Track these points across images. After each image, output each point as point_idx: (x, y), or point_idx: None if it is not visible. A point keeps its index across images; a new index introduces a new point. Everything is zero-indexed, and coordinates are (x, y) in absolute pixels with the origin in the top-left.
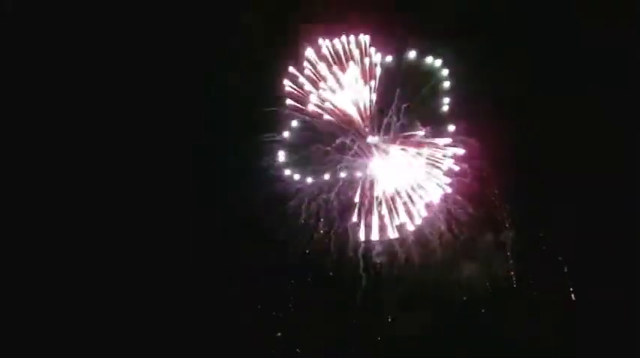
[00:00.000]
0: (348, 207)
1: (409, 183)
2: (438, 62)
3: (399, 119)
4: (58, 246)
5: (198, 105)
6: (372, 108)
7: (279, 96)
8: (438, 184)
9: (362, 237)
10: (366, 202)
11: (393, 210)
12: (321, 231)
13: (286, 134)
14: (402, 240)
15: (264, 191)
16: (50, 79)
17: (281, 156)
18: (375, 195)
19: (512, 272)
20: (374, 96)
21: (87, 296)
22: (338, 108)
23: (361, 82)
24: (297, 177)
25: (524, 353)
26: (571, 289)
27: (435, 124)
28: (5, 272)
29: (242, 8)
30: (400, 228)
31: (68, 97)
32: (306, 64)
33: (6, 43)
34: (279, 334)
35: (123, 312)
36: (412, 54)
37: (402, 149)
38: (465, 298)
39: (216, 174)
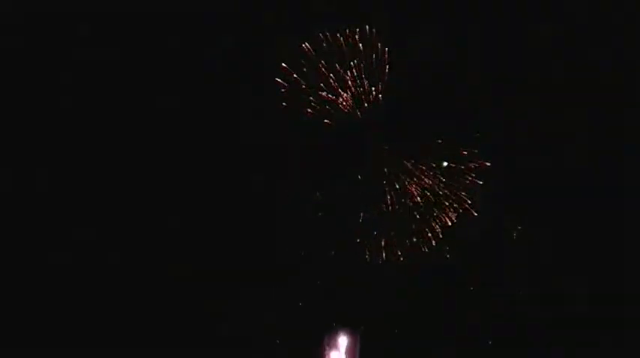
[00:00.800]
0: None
1: (422, 199)
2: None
3: (412, 123)
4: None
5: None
6: (380, 110)
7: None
8: (456, 202)
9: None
10: (371, 219)
11: (404, 230)
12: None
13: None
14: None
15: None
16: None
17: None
18: (383, 211)
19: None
20: (381, 97)
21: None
22: (339, 111)
23: (367, 81)
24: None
25: None
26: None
27: (458, 130)
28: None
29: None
30: (411, 250)
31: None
32: (303, 61)
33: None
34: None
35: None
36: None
37: (416, 159)
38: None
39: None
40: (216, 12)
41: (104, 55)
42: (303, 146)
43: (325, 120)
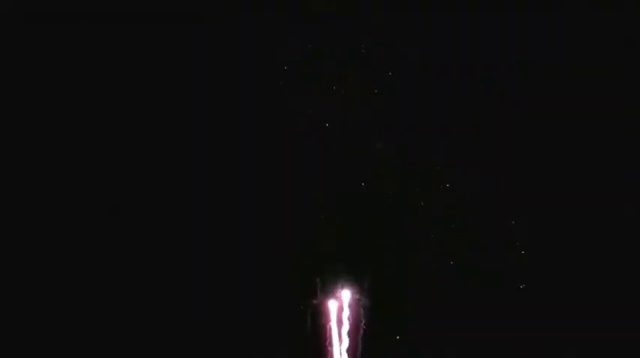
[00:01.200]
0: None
1: (424, 200)
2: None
3: (414, 123)
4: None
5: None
6: (382, 110)
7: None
8: (458, 203)
9: None
10: (372, 220)
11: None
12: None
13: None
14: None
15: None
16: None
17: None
18: (384, 212)
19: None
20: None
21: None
22: (339, 111)
23: (367, 81)
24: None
25: None
26: None
27: (459, 129)
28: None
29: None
30: (412, 251)
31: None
32: (302, 61)
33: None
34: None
35: None
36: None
37: (417, 160)
38: None
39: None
40: (217, 12)
41: (104, 55)
42: (304, 146)
43: (325, 122)
